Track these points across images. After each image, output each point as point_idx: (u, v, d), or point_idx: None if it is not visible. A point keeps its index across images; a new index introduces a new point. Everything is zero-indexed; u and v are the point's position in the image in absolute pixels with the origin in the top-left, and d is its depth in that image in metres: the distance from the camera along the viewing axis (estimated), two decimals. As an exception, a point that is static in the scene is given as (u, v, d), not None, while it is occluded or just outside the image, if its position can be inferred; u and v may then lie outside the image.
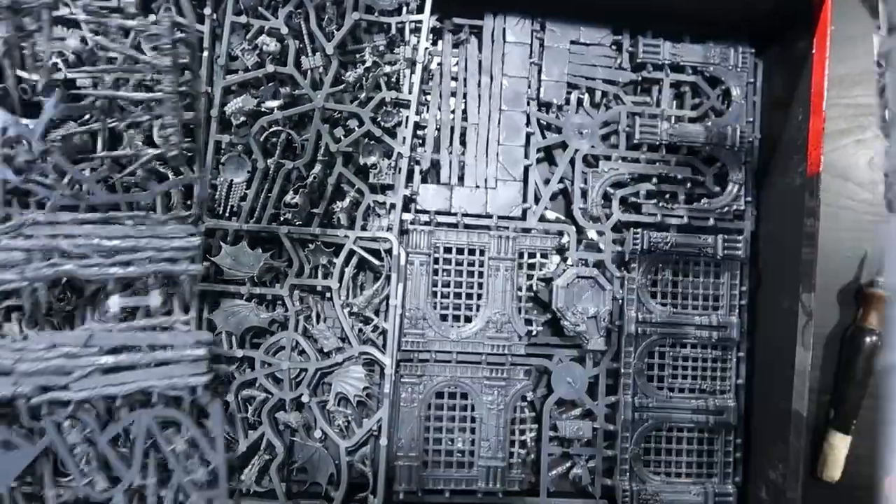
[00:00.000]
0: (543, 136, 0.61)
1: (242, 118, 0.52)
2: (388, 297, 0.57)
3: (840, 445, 0.59)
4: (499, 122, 0.60)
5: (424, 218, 0.59)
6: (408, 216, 0.58)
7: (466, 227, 0.59)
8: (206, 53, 0.51)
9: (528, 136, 0.61)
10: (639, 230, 0.58)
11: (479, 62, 0.61)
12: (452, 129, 0.60)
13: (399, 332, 0.57)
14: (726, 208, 0.60)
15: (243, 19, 0.54)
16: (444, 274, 0.58)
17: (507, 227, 0.59)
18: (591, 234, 0.59)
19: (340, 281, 0.57)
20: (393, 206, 0.57)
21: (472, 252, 0.58)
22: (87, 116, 0.46)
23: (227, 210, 0.54)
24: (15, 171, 0.45)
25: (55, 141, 0.46)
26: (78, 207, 0.46)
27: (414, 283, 0.57)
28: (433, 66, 0.60)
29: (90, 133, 0.47)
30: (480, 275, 0.58)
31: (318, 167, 0.56)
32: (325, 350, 0.56)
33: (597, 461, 0.59)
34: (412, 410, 0.57)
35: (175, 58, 0.45)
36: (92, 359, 0.47)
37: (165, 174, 0.48)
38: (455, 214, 0.59)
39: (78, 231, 0.46)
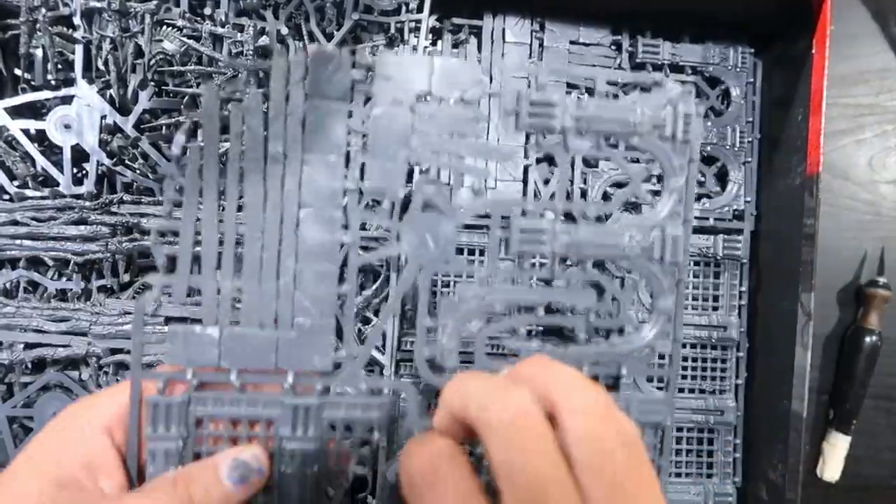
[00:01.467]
0: (544, 136, 0.61)
1: None
2: (387, 298, 0.57)
3: (840, 446, 0.59)
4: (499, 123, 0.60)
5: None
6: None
7: (466, 227, 0.59)
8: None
9: (527, 135, 0.61)
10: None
11: (479, 62, 0.61)
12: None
13: (399, 332, 0.56)
14: (726, 208, 0.60)
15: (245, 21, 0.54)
16: (444, 274, 0.58)
17: (506, 228, 0.59)
18: None
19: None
20: (392, 205, 0.57)
21: (472, 252, 0.58)
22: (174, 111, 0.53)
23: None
24: (108, 154, 0.51)
25: (145, 131, 0.52)
26: (158, 190, 0.52)
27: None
28: (433, 65, 0.60)
29: (175, 125, 0.52)
30: (480, 275, 0.58)
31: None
32: (325, 350, 0.57)
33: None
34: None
35: (255, 62, 0.51)
36: (157, 327, 0.51)
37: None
38: (455, 214, 0.59)
39: (155, 211, 0.51)
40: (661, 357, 0.37)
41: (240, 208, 0.33)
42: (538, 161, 0.60)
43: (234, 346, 0.33)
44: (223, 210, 0.33)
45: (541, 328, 0.55)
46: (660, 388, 0.51)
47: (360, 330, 0.57)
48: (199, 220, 0.33)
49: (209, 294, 0.33)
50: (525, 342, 0.37)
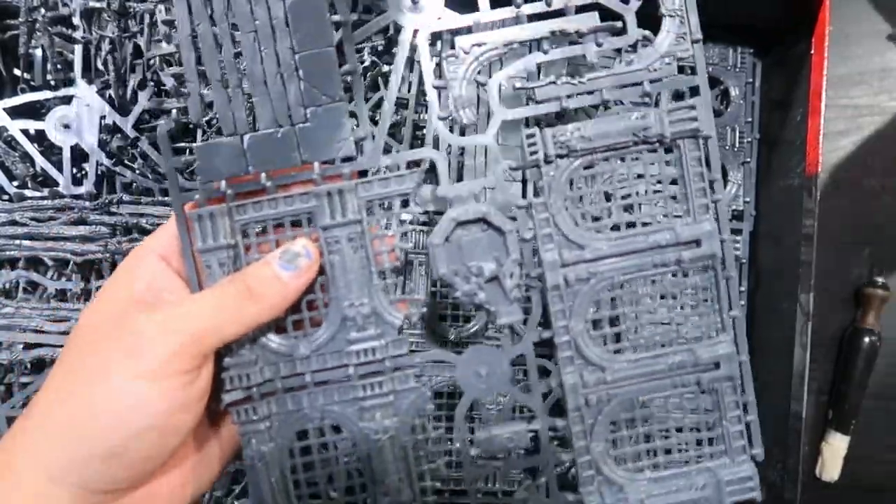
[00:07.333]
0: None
1: None
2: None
3: (839, 446, 0.59)
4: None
5: (423, 218, 0.58)
6: (406, 216, 0.58)
7: (465, 227, 0.59)
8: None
9: (527, 135, 0.60)
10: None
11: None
12: (452, 128, 0.60)
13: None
14: (725, 208, 0.59)
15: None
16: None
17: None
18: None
19: (339, 281, 0.57)
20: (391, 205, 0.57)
21: (470, 252, 0.58)
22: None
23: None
24: (107, 154, 0.51)
25: (145, 131, 0.52)
26: (158, 191, 0.53)
27: (413, 283, 0.57)
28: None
29: (175, 125, 0.53)
30: (479, 275, 0.58)
31: (316, 167, 0.56)
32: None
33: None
34: (411, 411, 0.57)
35: None
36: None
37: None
38: (454, 215, 0.58)
39: (155, 211, 0.52)
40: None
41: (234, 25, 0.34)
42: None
43: (259, 150, 0.34)
44: (212, 13, 0.34)
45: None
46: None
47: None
48: (195, 36, 0.34)
49: (222, 105, 0.34)
50: None
